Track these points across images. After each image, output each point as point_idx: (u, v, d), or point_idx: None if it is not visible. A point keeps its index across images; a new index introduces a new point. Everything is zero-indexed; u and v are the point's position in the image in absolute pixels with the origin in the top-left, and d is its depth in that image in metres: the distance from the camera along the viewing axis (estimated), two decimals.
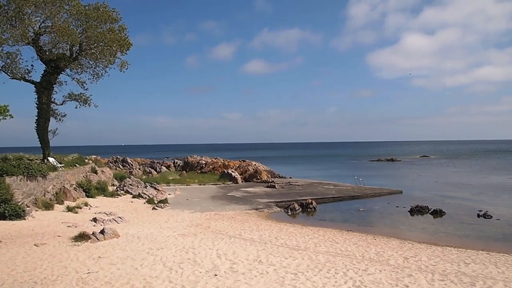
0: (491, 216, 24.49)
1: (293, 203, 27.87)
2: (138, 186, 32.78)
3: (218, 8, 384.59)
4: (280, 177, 49.46)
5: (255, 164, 49.79)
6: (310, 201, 28.56)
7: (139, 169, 52.21)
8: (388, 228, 22.06)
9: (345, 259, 13.49)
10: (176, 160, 62.96)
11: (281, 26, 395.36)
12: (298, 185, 40.23)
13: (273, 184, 39.10)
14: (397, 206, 28.68)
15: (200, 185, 40.64)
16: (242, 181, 43.41)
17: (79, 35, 26.21)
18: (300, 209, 27.53)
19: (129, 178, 36.14)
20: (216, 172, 48.17)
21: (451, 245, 17.73)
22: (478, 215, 24.93)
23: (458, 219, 24.39)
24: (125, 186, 32.26)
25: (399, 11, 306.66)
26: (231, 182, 42.39)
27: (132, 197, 29.56)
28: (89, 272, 10.59)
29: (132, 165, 52.48)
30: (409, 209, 27.01)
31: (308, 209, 27.70)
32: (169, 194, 31.97)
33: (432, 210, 26.35)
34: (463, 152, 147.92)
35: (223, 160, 53.81)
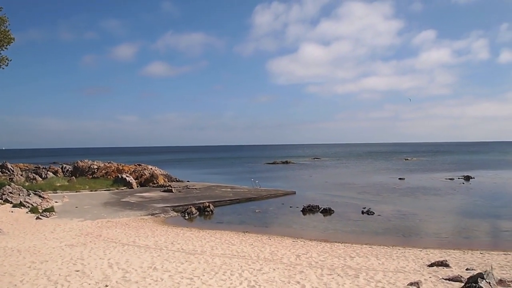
0: (374, 213, 26.73)
1: (190, 207, 27.60)
2: (19, 194, 29.84)
3: (123, 7, 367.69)
4: (178, 181, 48.68)
5: (151, 168, 48.40)
6: (207, 204, 28.52)
7: (21, 175, 47.54)
8: (282, 228, 22.91)
9: (241, 260, 13.68)
10: (65, 165, 58.61)
11: (186, 30, 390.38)
12: (195, 188, 39.97)
13: (170, 188, 38.34)
14: (290, 207, 29.92)
15: (91, 191, 38.32)
16: (137, 186, 41.85)
17: None
18: (198, 212, 27.36)
19: (9, 185, 32.75)
20: (109, 177, 45.79)
21: (339, 241, 18.96)
22: (363, 212, 27.04)
23: (345, 217, 26.20)
24: (4, 194, 29.17)
25: (299, 22, 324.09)
26: (125, 187, 40.66)
27: (13, 206, 26.82)
28: None
29: (13, 171, 47.59)
30: (301, 209, 28.35)
31: (206, 213, 27.63)
32: (56, 202, 29.65)
33: (322, 209, 27.96)
34: (351, 154, 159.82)
35: (117, 165, 51.36)
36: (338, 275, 11.83)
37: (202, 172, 71.57)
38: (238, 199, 33.34)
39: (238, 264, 13.06)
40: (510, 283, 10.18)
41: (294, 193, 37.85)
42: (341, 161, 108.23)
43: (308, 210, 28.09)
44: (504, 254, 16.15)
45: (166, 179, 46.00)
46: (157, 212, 26.84)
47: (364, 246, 17.74)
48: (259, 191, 38.33)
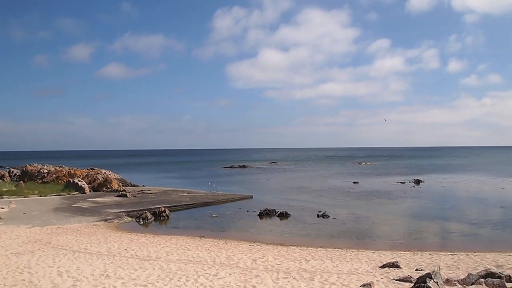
0: (329, 216, 27.22)
1: (145, 212, 27.03)
2: None
3: (79, 6, 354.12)
4: (133, 186, 47.66)
5: (105, 172, 47.05)
6: (163, 209, 28.04)
7: None
8: (239, 232, 22.90)
9: (197, 266, 13.53)
10: (12, 169, 56.08)
11: (145, 31, 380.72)
12: (151, 193, 39.23)
13: (125, 193, 37.41)
14: (247, 211, 29.96)
15: (41, 196, 36.73)
16: (90, 191, 40.53)
17: None
18: (153, 218, 26.84)
19: None
20: (60, 181, 44.11)
21: (295, 245, 19.16)
22: (318, 216, 27.48)
23: (301, 220, 26.54)
24: None
25: (259, 27, 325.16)
26: (77, 192, 39.28)
27: None
28: None
29: None
30: (258, 213, 28.46)
31: (161, 218, 27.16)
32: (2, 208, 28.22)
33: (279, 213, 28.19)
34: (308, 158, 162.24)
35: (69, 169, 49.60)
36: (294, 278, 11.95)
37: (158, 177, 70.37)
38: (194, 203, 33.02)
39: (194, 269, 12.91)
40: (456, 282, 10.63)
41: (251, 197, 37.95)
42: (298, 165, 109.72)
43: (265, 214, 28.23)
44: (451, 254, 16.88)
45: (120, 184, 44.88)
46: (110, 217, 26.11)
47: (319, 249, 18.02)
48: (216, 195, 38.15)
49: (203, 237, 21.02)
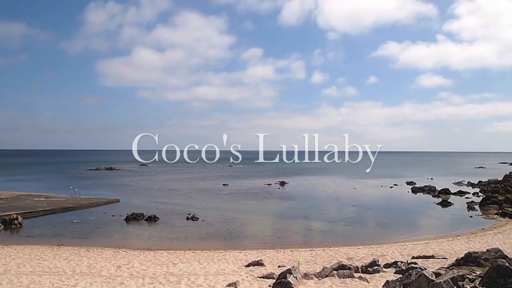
0: (198, 218, 27.33)
1: None
2: None
3: None
4: None
5: None
6: (15, 216, 25.16)
7: None
8: (103, 238, 21.72)
9: (53, 277, 12.43)
10: None
11: (4, 18, 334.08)
12: (1, 198, 34.94)
13: None
14: (113, 215, 28.54)
15: None
16: None
17: None
18: (2, 226, 23.97)
19: None
20: None
21: (163, 248, 18.82)
22: (187, 218, 27.39)
23: (171, 223, 26.18)
24: None
25: (135, 25, 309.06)
26: None
27: None
28: None
29: None
30: (125, 217, 27.30)
31: (13, 226, 24.32)
32: None
33: (147, 216, 27.38)
34: (180, 160, 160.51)
35: None
36: (160, 283, 11.70)
37: (10, 180, 62.87)
38: (53, 209, 30.30)
39: (50, 281, 11.84)
40: (312, 276, 11.50)
41: (118, 201, 36.24)
42: (169, 167, 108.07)
43: (132, 218, 27.18)
44: (310, 250, 18.27)
45: None
46: None
47: (188, 251, 17.97)
48: (78, 199, 35.54)
49: (62, 245, 19.43)
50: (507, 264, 7.77)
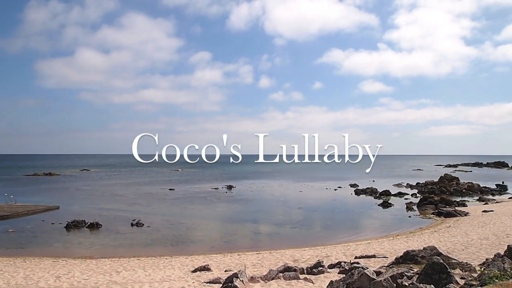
0: (143, 224, 26.67)
1: None
2: None
3: None
4: None
5: None
6: None
7: None
8: (42, 248, 20.69)
9: None
10: None
11: None
12: None
13: None
14: (52, 223, 27.22)
15: None
16: None
17: None
18: None
19: None
20: None
21: (106, 257, 18.20)
22: (132, 224, 26.67)
23: (114, 230, 25.36)
24: None
25: (79, 25, 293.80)
26: None
27: None
28: None
29: None
30: (65, 225, 26.11)
31: None
32: None
33: (89, 223, 26.34)
34: (124, 165, 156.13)
35: None
36: None
37: None
38: None
39: None
40: (259, 279, 11.58)
41: (58, 208, 34.61)
42: (114, 172, 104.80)
43: (73, 226, 26.03)
44: (257, 253, 18.38)
45: None
46: None
47: (132, 259, 17.50)
48: (14, 207, 33.56)
49: None
50: (441, 261, 8.27)
